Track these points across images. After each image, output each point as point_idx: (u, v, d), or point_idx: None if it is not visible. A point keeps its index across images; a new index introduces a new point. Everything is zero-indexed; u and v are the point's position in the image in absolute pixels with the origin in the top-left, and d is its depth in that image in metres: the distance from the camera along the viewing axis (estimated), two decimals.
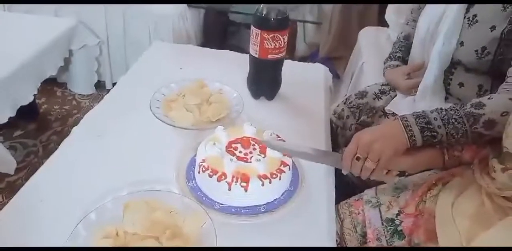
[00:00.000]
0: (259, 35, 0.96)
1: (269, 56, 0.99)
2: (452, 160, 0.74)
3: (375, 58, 1.44)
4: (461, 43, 0.85)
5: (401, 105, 0.99)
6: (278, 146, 0.75)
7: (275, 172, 0.71)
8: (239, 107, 0.97)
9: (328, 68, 1.36)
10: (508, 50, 0.79)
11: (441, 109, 0.72)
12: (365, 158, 0.69)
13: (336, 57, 2.34)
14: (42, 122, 1.68)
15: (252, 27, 0.97)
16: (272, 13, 0.94)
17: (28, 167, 1.43)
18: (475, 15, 0.83)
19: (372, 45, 1.58)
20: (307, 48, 2.47)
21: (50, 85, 1.79)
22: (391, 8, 1.64)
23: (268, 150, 0.75)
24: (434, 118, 0.70)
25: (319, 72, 1.29)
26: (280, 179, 0.71)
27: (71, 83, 1.84)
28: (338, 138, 1.14)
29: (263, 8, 0.95)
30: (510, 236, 0.61)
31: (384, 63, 1.11)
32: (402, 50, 1.09)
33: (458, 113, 0.70)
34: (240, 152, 0.75)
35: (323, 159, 0.77)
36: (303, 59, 2.42)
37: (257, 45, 0.98)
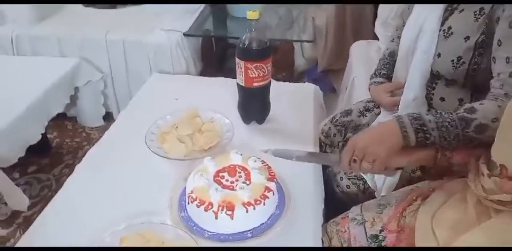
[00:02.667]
0: (243, 66, 1.02)
1: (255, 84, 1.04)
2: (443, 159, 0.77)
3: (365, 72, 1.48)
4: (438, 55, 0.89)
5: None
6: (283, 153, 0.84)
7: (259, 198, 0.75)
8: (230, 134, 1.02)
9: (318, 87, 1.41)
10: (481, 59, 0.82)
11: (436, 111, 0.76)
12: (361, 159, 0.75)
13: (334, 70, 2.39)
14: (54, 156, 1.77)
15: (236, 58, 1.03)
16: (254, 44, 1.00)
17: (42, 201, 1.51)
18: (450, 27, 0.87)
19: (362, 59, 1.62)
20: (306, 63, 2.52)
21: (61, 120, 1.89)
22: (378, 22, 1.68)
23: (253, 177, 0.80)
24: (429, 120, 0.74)
25: (309, 91, 1.34)
26: (264, 204, 0.75)
27: (80, 117, 1.94)
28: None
29: (245, 39, 1.01)
30: (489, 238, 0.62)
31: (370, 79, 1.15)
32: (387, 67, 1.12)
33: (451, 116, 0.74)
34: (227, 180, 0.80)
35: (323, 160, 0.86)
36: (302, 73, 2.47)
37: (242, 75, 1.04)
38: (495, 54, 0.78)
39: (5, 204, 1.47)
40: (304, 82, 2.32)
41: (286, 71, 2.48)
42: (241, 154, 0.85)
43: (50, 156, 1.77)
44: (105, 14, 2.04)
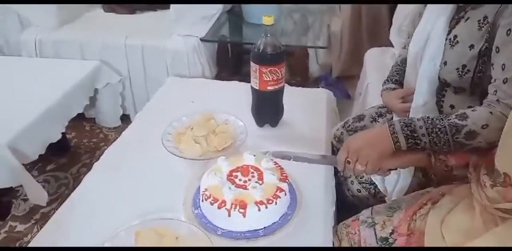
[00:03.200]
0: (258, 70, 1.05)
1: (269, 88, 1.07)
2: (439, 163, 0.81)
3: (378, 79, 1.48)
4: (445, 63, 0.90)
5: None
6: (281, 154, 0.87)
7: (271, 197, 0.77)
8: (243, 136, 1.05)
9: (331, 92, 1.42)
10: (486, 67, 0.83)
11: (428, 117, 0.79)
12: (355, 161, 0.80)
13: (348, 77, 2.39)
14: (72, 156, 1.82)
15: (251, 62, 1.06)
16: (269, 48, 1.03)
17: (60, 198, 1.56)
18: (455, 36, 0.88)
19: (377, 66, 1.63)
20: (320, 69, 2.53)
21: (79, 120, 1.94)
22: (393, 29, 1.69)
23: (265, 177, 0.82)
24: (420, 126, 0.77)
25: (322, 96, 1.36)
26: (276, 204, 0.77)
27: (99, 118, 1.99)
28: None
29: (260, 44, 1.04)
30: (500, 244, 0.63)
31: (383, 85, 1.16)
32: (399, 73, 1.13)
33: (442, 123, 0.76)
34: (240, 180, 0.82)
35: (321, 161, 0.89)
36: (316, 80, 2.49)
37: (257, 78, 1.06)
38: (493, 61, 0.79)
39: (24, 200, 1.53)
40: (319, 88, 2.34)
41: (300, 77, 2.49)
42: (254, 155, 0.87)
43: (68, 156, 1.82)
44: (124, 20, 2.10)
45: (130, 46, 1.85)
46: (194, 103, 1.28)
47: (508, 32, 0.76)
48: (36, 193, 1.30)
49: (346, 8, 2.33)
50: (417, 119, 0.79)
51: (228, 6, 2.14)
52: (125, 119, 1.98)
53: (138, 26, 1.99)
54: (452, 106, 0.93)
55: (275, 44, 1.03)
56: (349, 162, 0.80)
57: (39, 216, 1.49)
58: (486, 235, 0.65)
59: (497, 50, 0.78)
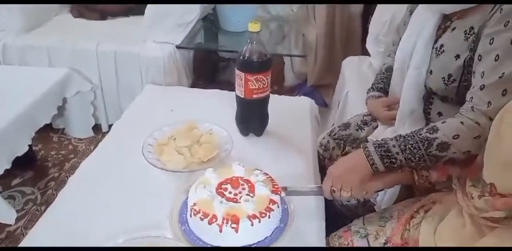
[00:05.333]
0: (243, 77, 1.02)
1: (254, 96, 1.04)
2: (422, 180, 0.82)
3: (358, 87, 1.50)
4: (430, 72, 0.91)
5: (384, 135, 1.02)
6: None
7: (264, 211, 0.73)
8: (229, 146, 1.01)
9: (313, 100, 1.41)
10: (471, 76, 0.84)
11: (400, 135, 0.80)
12: (339, 189, 0.80)
13: (324, 85, 2.42)
14: (39, 169, 1.71)
15: (236, 69, 1.03)
16: (254, 56, 1.00)
17: (27, 215, 1.45)
18: (442, 45, 0.89)
19: (355, 74, 1.65)
20: (295, 78, 2.54)
21: (46, 131, 1.83)
22: (370, 38, 1.72)
23: (257, 189, 0.78)
24: (393, 145, 0.79)
25: (304, 104, 1.34)
26: (269, 217, 0.74)
27: (68, 128, 1.88)
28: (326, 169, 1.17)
29: (245, 51, 1.01)
30: None
31: (367, 93, 1.17)
32: (384, 81, 1.14)
33: (414, 138, 0.78)
34: (230, 192, 0.78)
35: (309, 192, 0.87)
36: (292, 88, 2.50)
37: (242, 86, 1.03)
38: (475, 69, 0.81)
39: None
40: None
41: (277, 86, 2.49)
42: (243, 166, 0.84)
43: (35, 169, 1.71)
44: (96, 25, 2.02)
45: (102, 52, 1.77)
46: (174, 112, 1.23)
47: (491, 41, 0.77)
48: (3, 210, 1.20)
49: (321, 17, 2.36)
50: (390, 139, 0.81)
51: (204, 13, 2.11)
52: (97, 129, 1.89)
53: (110, 32, 1.92)
54: (440, 114, 0.94)
55: (261, 51, 1.01)
56: (334, 191, 0.80)
57: (5, 235, 1.37)
58: (479, 243, 0.64)
59: (479, 58, 0.80)
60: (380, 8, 1.70)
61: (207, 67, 2.12)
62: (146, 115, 1.22)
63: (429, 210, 0.80)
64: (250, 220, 0.71)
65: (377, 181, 0.81)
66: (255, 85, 1.02)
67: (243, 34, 2.11)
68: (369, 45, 1.69)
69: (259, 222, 0.72)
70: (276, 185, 0.81)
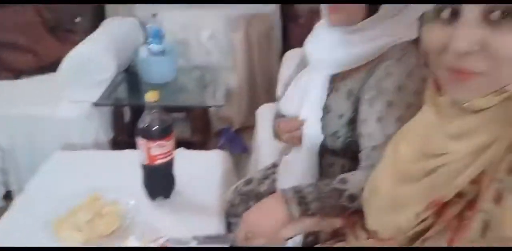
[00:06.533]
0: (144, 144, 1.04)
1: (157, 162, 1.06)
2: (327, 226, 0.86)
3: (270, 137, 1.57)
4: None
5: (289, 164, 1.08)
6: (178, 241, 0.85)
7: None
8: (134, 214, 1.01)
9: (226, 153, 1.46)
10: (354, 133, 0.93)
11: (315, 183, 0.85)
12: (252, 237, 0.81)
13: (249, 127, 2.49)
14: None
15: (137, 137, 1.05)
16: (155, 123, 1.03)
17: None
18: (328, 106, 0.97)
19: (267, 123, 1.72)
20: (221, 122, 2.61)
21: None
22: (280, 84, 1.83)
23: None
24: (309, 192, 0.82)
25: (216, 159, 1.38)
26: None
27: None
28: (231, 226, 1.20)
29: (145, 119, 1.04)
30: None
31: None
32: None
33: (327, 188, 0.83)
34: None
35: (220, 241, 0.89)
36: (218, 133, 2.55)
37: (144, 153, 1.05)
38: (360, 131, 0.90)
39: None
40: (220, 144, 2.39)
41: (202, 133, 2.53)
42: (140, 240, 0.84)
43: None
44: (7, 85, 1.96)
45: (13, 114, 1.72)
46: (82, 180, 1.21)
47: (371, 105, 0.87)
48: None
49: (241, 65, 2.49)
50: (306, 186, 0.84)
51: (124, 66, 2.12)
52: (9, 197, 1.78)
53: (23, 92, 1.88)
54: (330, 165, 1.01)
55: (161, 117, 1.04)
56: (248, 239, 0.82)
57: None
58: None
59: (363, 121, 0.88)
60: (287, 57, 1.83)
61: (129, 121, 2.11)
62: (52, 185, 1.19)
63: None
64: None
65: (289, 227, 0.83)
66: (157, 151, 1.05)
67: (166, 85, 2.15)
68: (279, 92, 1.80)
69: None
70: None
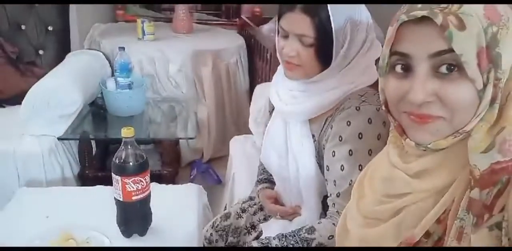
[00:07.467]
0: (120, 181, 1.02)
1: (134, 198, 1.03)
2: None
3: (244, 168, 1.59)
4: None
5: (271, 229, 1.05)
6: None
7: None
8: None
9: (201, 186, 1.44)
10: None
11: (282, 235, 0.86)
12: None
13: (220, 157, 2.50)
14: None
15: (112, 173, 1.03)
16: (130, 159, 1.02)
17: None
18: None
19: (241, 154, 1.75)
20: (192, 154, 2.59)
21: None
22: (251, 119, 1.87)
23: None
24: (276, 245, 0.84)
25: (192, 192, 1.36)
26: None
27: None
28: None
29: (120, 155, 1.02)
30: None
31: (256, 186, 1.20)
32: (266, 171, 1.18)
33: (295, 238, 0.85)
34: None
35: None
36: (189, 165, 2.52)
37: (120, 189, 1.03)
38: (326, 177, 0.92)
39: None
40: (191, 176, 2.36)
41: (172, 165, 2.50)
42: None
43: None
44: None
45: None
46: (50, 219, 1.15)
47: (333, 153, 0.90)
48: None
49: (210, 97, 2.53)
50: (273, 238, 0.86)
51: (90, 99, 2.09)
52: None
53: None
54: None
55: (136, 153, 1.03)
56: None
57: None
58: None
59: (327, 168, 0.91)
60: (256, 92, 1.89)
61: (96, 154, 2.05)
62: (17, 225, 1.12)
63: None
64: None
65: None
66: (133, 187, 1.03)
67: (134, 118, 2.13)
68: (250, 126, 1.84)
69: None
70: None
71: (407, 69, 0.56)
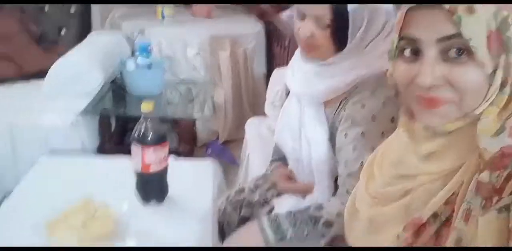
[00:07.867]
0: (140, 151, 1.04)
1: (151, 170, 1.06)
2: None
3: (259, 149, 1.61)
4: None
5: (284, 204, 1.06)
6: None
7: None
8: (127, 218, 1.01)
9: (217, 163, 1.47)
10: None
11: (291, 212, 0.88)
12: None
13: (236, 140, 2.52)
14: None
15: (132, 144, 1.05)
16: (150, 130, 1.04)
17: None
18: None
19: (256, 136, 1.77)
20: (208, 135, 2.62)
21: None
22: (267, 103, 1.89)
23: None
24: (284, 220, 0.86)
25: (208, 168, 1.39)
26: None
27: None
28: (225, 235, 1.21)
29: (140, 127, 1.05)
30: None
31: (270, 165, 1.23)
32: (280, 151, 1.19)
33: (303, 215, 0.86)
34: None
35: None
36: (204, 146, 2.56)
37: (139, 160, 1.05)
38: (338, 158, 0.94)
39: None
40: (207, 154, 2.39)
41: (189, 144, 2.54)
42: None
43: None
44: None
45: None
46: (71, 186, 1.19)
47: (346, 135, 0.91)
48: None
49: (227, 80, 2.54)
50: (282, 215, 0.88)
51: (111, 78, 2.13)
52: None
53: (6, 100, 1.84)
54: None
55: (156, 125, 1.06)
56: None
57: None
58: None
59: (339, 149, 0.93)
60: (274, 76, 1.90)
61: (115, 131, 2.10)
62: (39, 191, 1.17)
63: None
64: None
65: None
66: (152, 157, 1.06)
67: (152, 98, 2.15)
68: (266, 109, 1.85)
69: None
70: None
71: (416, 53, 0.56)
